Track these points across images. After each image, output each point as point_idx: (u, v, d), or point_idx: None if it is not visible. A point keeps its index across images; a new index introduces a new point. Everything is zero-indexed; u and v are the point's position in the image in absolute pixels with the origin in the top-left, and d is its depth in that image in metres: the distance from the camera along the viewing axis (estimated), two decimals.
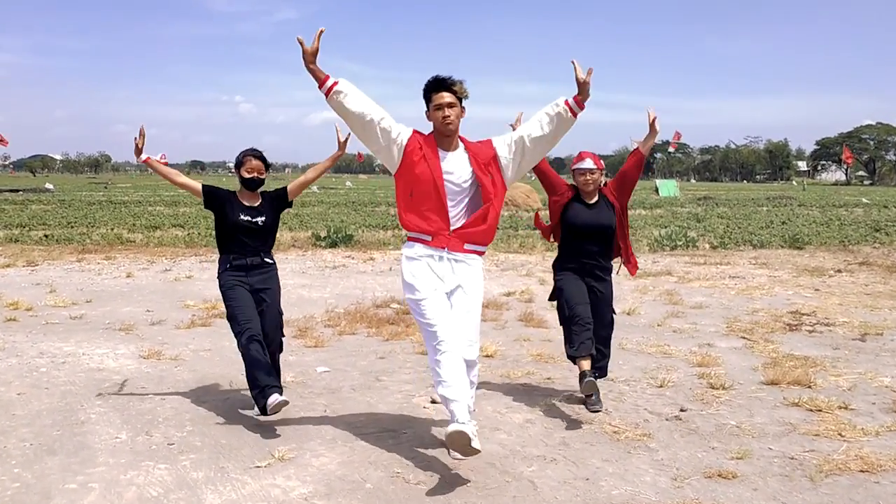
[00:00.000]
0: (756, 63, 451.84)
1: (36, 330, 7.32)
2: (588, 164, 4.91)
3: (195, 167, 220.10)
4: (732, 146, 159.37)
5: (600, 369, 5.05)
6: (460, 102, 4.08)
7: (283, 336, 5.02)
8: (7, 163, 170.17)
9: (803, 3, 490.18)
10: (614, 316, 5.12)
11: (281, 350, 5.01)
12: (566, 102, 4.12)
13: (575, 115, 4.11)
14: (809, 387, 5.42)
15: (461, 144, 4.18)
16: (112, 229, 18.70)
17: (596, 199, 4.98)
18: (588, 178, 4.91)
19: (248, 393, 4.84)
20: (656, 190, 49.06)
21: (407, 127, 4.14)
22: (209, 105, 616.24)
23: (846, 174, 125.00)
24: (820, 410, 4.90)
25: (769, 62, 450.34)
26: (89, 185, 61.86)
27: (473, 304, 4.09)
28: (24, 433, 4.47)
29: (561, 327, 5.06)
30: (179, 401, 5.12)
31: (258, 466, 3.97)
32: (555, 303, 5.18)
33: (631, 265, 5.21)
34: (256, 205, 4.90)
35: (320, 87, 4.02)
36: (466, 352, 4.00)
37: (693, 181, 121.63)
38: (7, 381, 5.53)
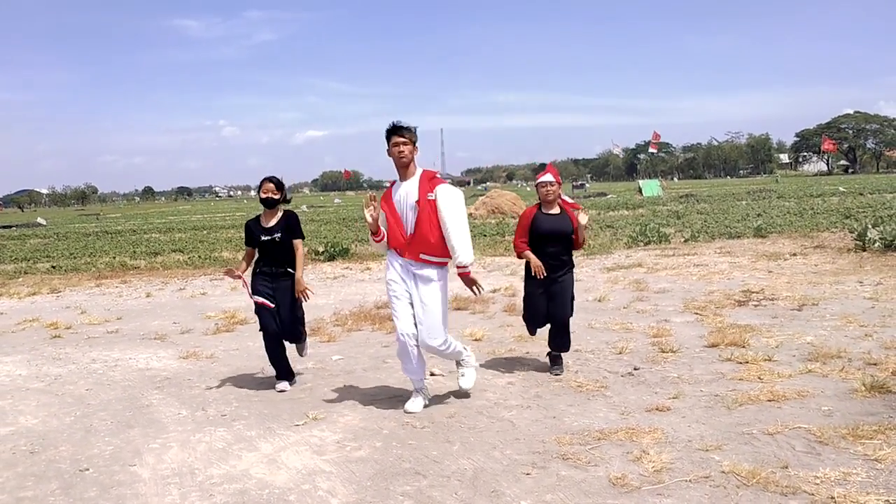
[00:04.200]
0: (734, 59, 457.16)
1: (81, 343, 8.37)
2: (548, 178, 6.05)
3: (182, 193, 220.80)
4: (714, 143, 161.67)
5: (562, 345, 6.14)
6: (412, 143, 5.22)
7: (301, 331, 6.14)
8: None
9: None
10: (574, 302, 6.18)
11: (300, 341, 6.21)
12: (458, 268, 5.28)
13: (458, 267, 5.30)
14: (743, 347, 6.53)
15: (418, 173, 5.27)
16: (115, 257, 19.65)
17: (556, 210, 6.09)
18: (548, 189, 6.03)
19: None
20: (639, 190, 50.24)
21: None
22: (193, 131, 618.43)
23: (828, 164, 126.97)
24: (747, 363, 6.01)
25: (747, 57, 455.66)
26: (79, 218, 62.80)
27: (429, 302, 5.20)
28: (102, 416, 5.54)
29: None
30: (222, 386, 6.20)
31: (297, 425, 5.06)
32: None
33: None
34: (272, 225, 6.01)
35: (376, 238, 5.30)
36: (426, 339, 5.19)
37: (676, 180, 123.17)
38: (73, 381, 6.59)
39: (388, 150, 5.25)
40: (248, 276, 6.11)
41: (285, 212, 6.11)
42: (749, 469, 3.88)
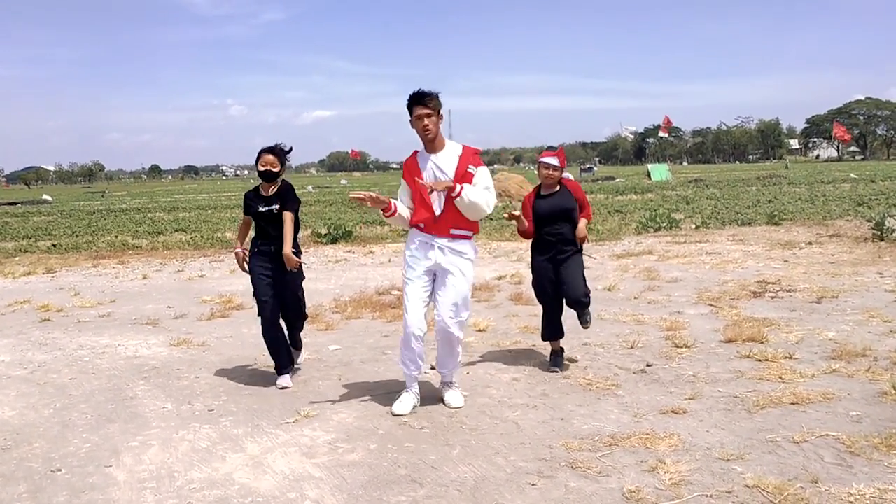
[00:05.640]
0: (746, 43, 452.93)
1: (70, 327, 8.06)
2: (552, 160, 5.66)
3: (189, 172, 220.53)
4: (724, 127, 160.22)
5: (581, 313, 5.72)
6: (437, 112, 4.80)
7: (304, 317, 5.98)
8: (0, 176, 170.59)
9: None
10: (586, 282, 5.76)
11: (301, 328, 5.99)
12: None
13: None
14: (762, 342, 6.17)
15: (452, 147, 4.89)
16: (117, 236, 19.39)
17: (557, 189, 5.72)
18: (550, 172, 5.66)
19: (271, 368, 5.76)
20: (648, 174, 49.69)
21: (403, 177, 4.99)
22: (201, 109, 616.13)
23: (838, 150, 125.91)
24: (767, 360, 5.66)
25: (759, 42, 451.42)
26: (85, 195, 62.52)
27: (458, 278, 4.83)
28: (83, 408, 5.23)
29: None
30: (212, 378, 5.88)
31: (287, 422, 4.74)
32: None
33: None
34: (270, 195, 5.66)
35: (386, 213, 4.87)
36: (449, 324, 4.81)
37: (685, 164, 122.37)
38: (57, 369, 6.29)
39: (410, 122, 4.83)
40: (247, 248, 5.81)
41: (283, 182, 5.78)
42: (776, 484, 3.54)
